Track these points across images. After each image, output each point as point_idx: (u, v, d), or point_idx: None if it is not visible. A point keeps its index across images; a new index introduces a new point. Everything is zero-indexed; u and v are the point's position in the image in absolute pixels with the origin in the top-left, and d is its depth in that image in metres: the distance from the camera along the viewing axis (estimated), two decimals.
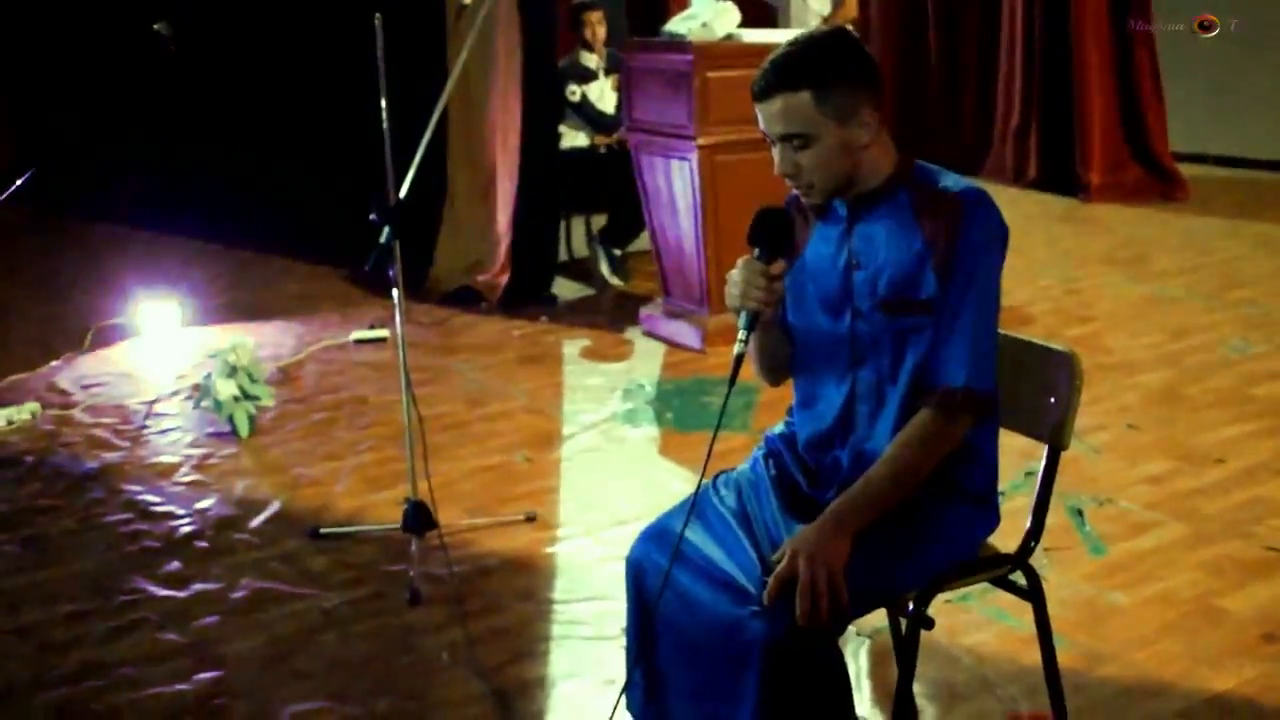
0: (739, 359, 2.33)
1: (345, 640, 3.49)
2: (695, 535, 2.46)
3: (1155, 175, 9.27)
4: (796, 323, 2.53)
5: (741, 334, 2.34)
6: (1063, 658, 2.72)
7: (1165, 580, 3.62)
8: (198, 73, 9.56)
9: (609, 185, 7.13)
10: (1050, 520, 2.60)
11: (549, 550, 3.99)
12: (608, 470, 4.63)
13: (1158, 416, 4.89)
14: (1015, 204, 9.02)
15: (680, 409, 5.19)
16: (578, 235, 7.79)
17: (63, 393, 5.70)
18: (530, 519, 4.16)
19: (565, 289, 7.21)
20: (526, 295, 6.91)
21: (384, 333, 6.30)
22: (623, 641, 2.90)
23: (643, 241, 6.86)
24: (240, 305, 7.19)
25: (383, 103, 3.84)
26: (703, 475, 2.44)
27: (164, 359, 6.24)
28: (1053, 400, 2.49)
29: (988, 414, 2.39)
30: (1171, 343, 5.78)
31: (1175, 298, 6.54)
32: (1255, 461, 4.44)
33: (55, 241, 9.29)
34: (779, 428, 2.65)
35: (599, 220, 7.45)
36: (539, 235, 7.06)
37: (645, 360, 5.95)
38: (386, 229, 3.76)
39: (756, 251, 2.37)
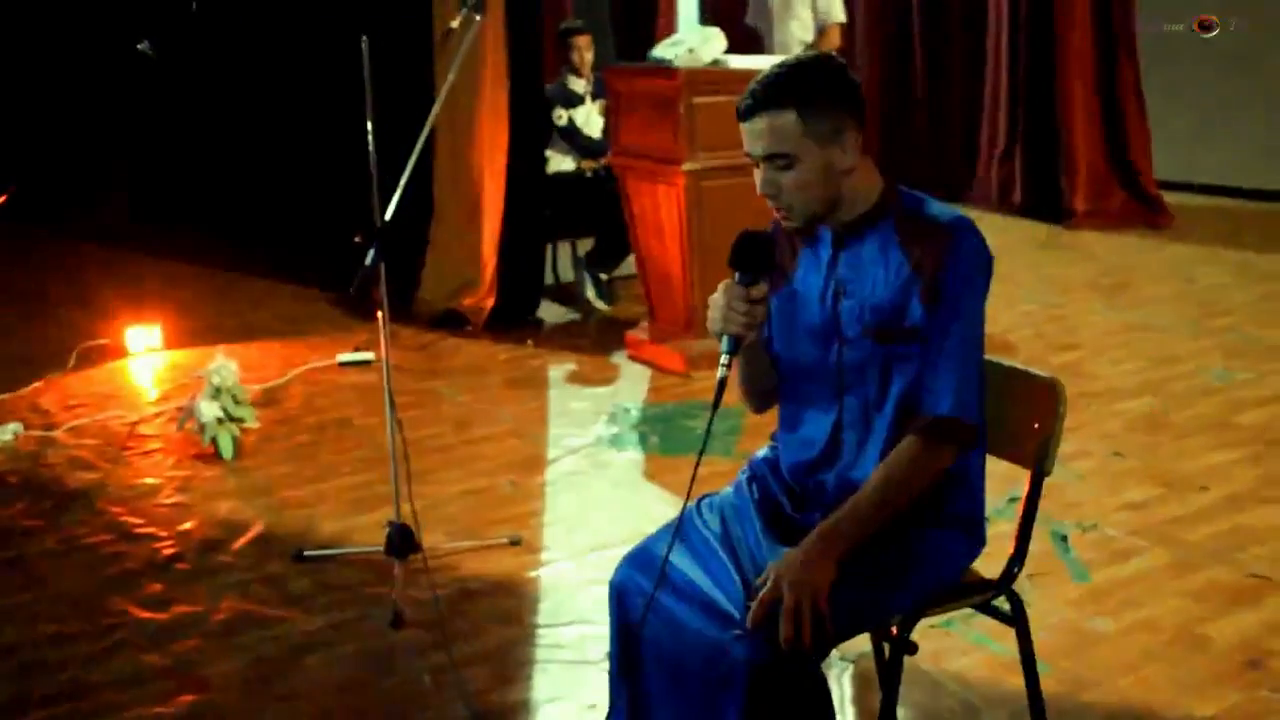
0: (722, 383, 2.33)
1: (328, 663, 3.48)
2: (679, 559, 2.46)
3: (1139, 202, 9.31)
4: (783, 349, 2.55)
5: (724, 358, 2.35)
6: (1046, 684, 2.72)
7: (1149, 607, 3.63)
8: (185, 93, 9.56)
9: (595, 210, 7.15)
10: (1034, 546, 2.61)
11: (532, 574, 3.98)
12: (592, 494, 4.63)
13: (1141, 443, 4.90)
14: (999, 230, 9.04)
15: (665, 433, 5.19)
16: (564, 259, 7.80)
17: (45, 413, 5.68)
18: (514, 543, 4.15)
19: (551, 313, 7.22)
20: (512, 319, 6.91)
21: (369, 355, 6.29)
22: (605, 666, 2.89)
23: (629, 266, 6.87)
24: (225, 327, 7.17)
25: (368, 125, 3.85)
26: (687, 499, 2.44)
27: (148, 380, 6.23)
28: (1036, 426, 2.50)
29: (974, 443, 2.40)
30: (1155, 370, 5.80)
31: (1159, 325, 6.57)
32: (1238, 488, 4.45)
33: (39, 262, 9.27)
34: (763, 452, 2.66)
35: (585, 244, 7.45)
36: (525, 259, 7.07)
37: (631, 384, 5.95)
38: (371, 251, 3.76)
39: (738, 275, 2.37)
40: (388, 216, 3.83)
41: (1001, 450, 2.58)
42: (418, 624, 3.65)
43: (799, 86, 2.33)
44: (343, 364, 6.29)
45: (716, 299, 2.37)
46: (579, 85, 7.54)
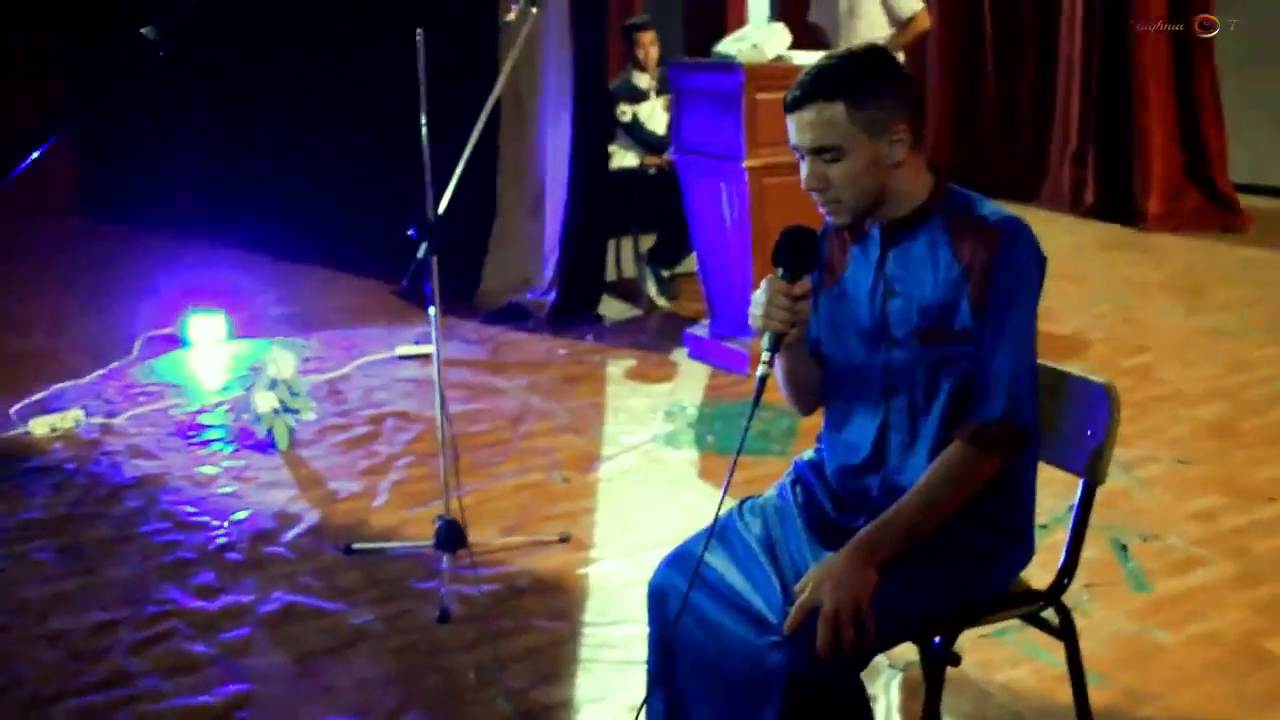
0: (762, 380, 2.28)
1: (374, 657, 3.46)
2: (718, 561, 2.41)
3: (1215, 204, 9.12)
4: (830, 349, 2.49)
5: (765, 355, 2.30)
6: (1104, 696, 2.65)
7: (1211, 620, 3.53)
8: (255, 83, 9.61)
9: (658, 206, 7.10)
10: (1094, 555, 2.54)
11: (581, 571, 3.95)
12: (645, 492, 4.59)
13: (1209, 451, 4.79)
14: (1071, 231, 8.92)
15: (722, 432, 5.14)
16: (626, 255, 7.76)
17: (107, 401, 5.73)
18: (564, 539, 4.12)
19: (612, 309, 7.17)
20: (573, 314, 6.89)
21: (429, 348, 6.25)
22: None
23: (691, 263, 6.82)
24: (288, 317, 7.21)
25: (423, 118, 3.83)
26: (723, 497, 2.38)
27: (209, 370, 6.27)
28: (1089, 433, 2.42)
29: (1024, 450, 2.33)
30: (1227, 376, 5.67)
31: (1232, 330, 6.42)
32: None
33: (107, 252, 9.38)
34: (808, 454, 2.60)
35: (647, 240, 7.41)
36: (587, 254, 7.04)
37: (689, 382, 5.90)
38: (424, 245, 3.75)
39: (780, 270, 2.32)
40: (440, 211, 3.81)
41: (1053, 457, 2.51)
42: (464, 619, 3.63)
43: (849, 78, 2.28)
44: (403, 356, 6.29)
45: (758, 295, 2.33)
46: (643, 80, 7.49)
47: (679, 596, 2.38)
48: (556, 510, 4.42)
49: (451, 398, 5.48)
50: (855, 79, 2.27)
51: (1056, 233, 8.61)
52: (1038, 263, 2.30)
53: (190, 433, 5.28)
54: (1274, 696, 3.14)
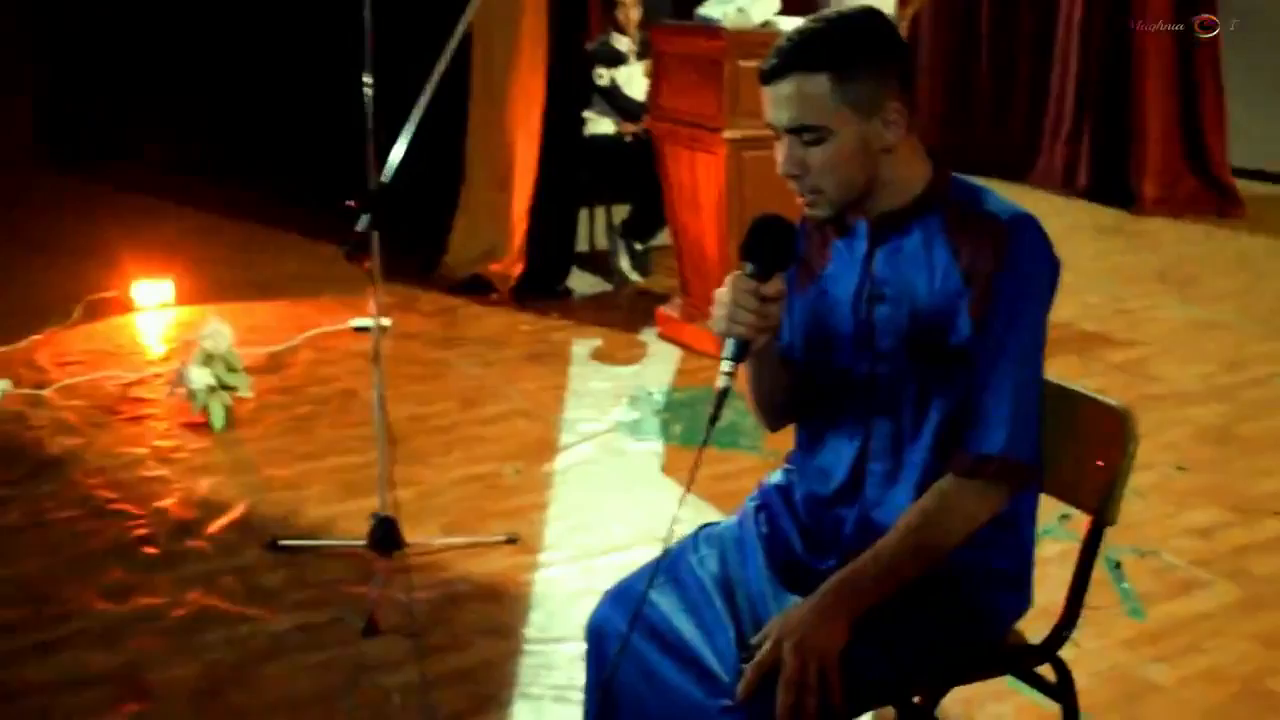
0: (723, 394, 1.93)
1: (289, 674, 3.13)
2: (666, 601, 2.08)
3: (1212, 189, 8.82)
4: (804, 358, 2.15)
5: (726, 365, 1.95)
6: None
7: (1212, 654, 3.22)
8: (225, 42, 9.24)
9: (633, 176, 6.74)
10: None
11: (527, 578, 3.61)
12: (603, 488, 4.26)
13: (1209, 458, 4.47)
14: (1063, 213, 8.62)
15: (689, 420, 4.82)
16: (598, 227, 7.42)
17: (39, 370, 5.36)
18: (511, 541, 3.78)
19: (581, 282, 6.82)
20: (540, 287, 6.54)
21: (385, 321, 5.93)
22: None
23: (666, 236, 6.48)
24: (240, 283, 6.81)
25: (366, 78, 3.48)
26: (682, 499, 2.05)
27: (152, 338, 5.90)
28: (1100, 464, 2.09)
29: (1026, 487, 2.01)
30: (1225, 374, 5.36)
31: (1229, 323, 6.11)
32: None
33: (64, 208, 8.96)
34: (776, 476, 2.26)
35: (621, 212, 7.06)
36: (557, 225, 6.69)
37: (658, 365, 5.56)
38: (364, 216, 3.40)
39: (750, 267, 1.98)
40: (385, 179, 3.46)
41: (1054, 488, 2.17)
42: (395, 631, 3.30)
43: (836, 45, 1.93)
44: (357, 329, 5.94)
45: (722, 294, 1.98)
46: (623, 43, 7.12)
47: (620, 638, 2.05)
48: (505, 506, 4.08)
49: (401, 376, 5.16)
50: (844, 47, 1.92)
51: (1047, 215, 8.15)
52: (1050, 268, 1.97)
53: (122, 408, 4.93)
54: None
